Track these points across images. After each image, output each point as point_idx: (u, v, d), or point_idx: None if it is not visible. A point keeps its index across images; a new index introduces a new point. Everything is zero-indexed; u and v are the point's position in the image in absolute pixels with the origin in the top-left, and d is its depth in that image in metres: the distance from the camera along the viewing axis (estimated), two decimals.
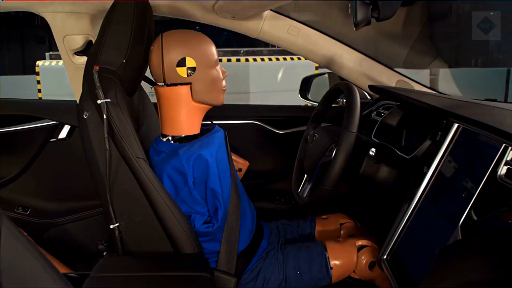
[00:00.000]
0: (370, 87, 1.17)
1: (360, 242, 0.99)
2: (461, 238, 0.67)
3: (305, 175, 1.11)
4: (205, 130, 0.94)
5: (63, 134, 1.29)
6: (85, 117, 0.78)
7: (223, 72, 0.92)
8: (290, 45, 1.24)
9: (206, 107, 0.90)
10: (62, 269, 0.86)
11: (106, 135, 0.74)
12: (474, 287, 0.59)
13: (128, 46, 0.82)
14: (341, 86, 1.00)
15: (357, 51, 1.25)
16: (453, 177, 0.76)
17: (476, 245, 0.65)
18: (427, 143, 0.84)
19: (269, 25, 1.18)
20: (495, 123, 0.67)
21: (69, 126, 1.29)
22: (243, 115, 1.43)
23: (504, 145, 0.64)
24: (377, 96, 1.26)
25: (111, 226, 0.78)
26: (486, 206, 0.66)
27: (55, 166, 1.32)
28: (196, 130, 0.89)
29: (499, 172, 0.64)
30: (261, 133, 1.42)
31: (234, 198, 0.89)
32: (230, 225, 0.87)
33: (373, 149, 0.94)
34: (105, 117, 0.74)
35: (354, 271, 0.98)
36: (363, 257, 0.97)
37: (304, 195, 0.97)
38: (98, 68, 0.77)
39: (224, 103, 0.93)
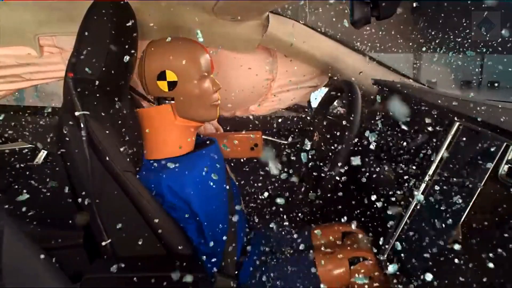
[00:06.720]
0: (374, 81, 1.16)
1: (356, 253, 0.90)
2: (461, 238, 0.67)
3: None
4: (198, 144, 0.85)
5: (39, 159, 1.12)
6: (65, 132, 0.73)
7: (215, 85, 0.83)
8: (292, 50, 1.17)
9: (194, 125, 0.83)
10: None
11: (85, 145, 0.69)
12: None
13: (106, 51, 0.75)
14: (344, 86, 0.99)
15: (359, 53, 1.24)
16: (454, 176, 0.75)
17: (476, 245, 0.65)
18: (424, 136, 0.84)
19: (272, 28, 1.10)
20: (496, 121, 0.66)
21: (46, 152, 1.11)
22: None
23: (505, 144, 0.63)
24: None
25: (103, 243, 0.74)
26: (487, 206, 0.65)
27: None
28: (184, 151, 0.82)
29: (500, 171, 0.64)
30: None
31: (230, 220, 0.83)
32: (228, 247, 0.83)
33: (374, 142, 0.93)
34: (82, 128, 0.69)
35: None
36: (356, 274, 0.88)
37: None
38: (72, 75, 0.72)
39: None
